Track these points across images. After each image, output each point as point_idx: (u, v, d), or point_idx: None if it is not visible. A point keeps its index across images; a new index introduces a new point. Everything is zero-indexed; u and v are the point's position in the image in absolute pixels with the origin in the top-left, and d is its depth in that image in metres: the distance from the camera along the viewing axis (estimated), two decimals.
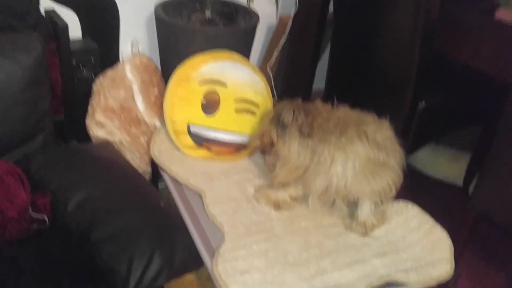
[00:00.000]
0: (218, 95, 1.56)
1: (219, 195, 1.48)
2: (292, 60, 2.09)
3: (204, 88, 1.55)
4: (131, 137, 1.66)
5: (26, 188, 1.33)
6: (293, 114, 1.35)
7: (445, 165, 1.96)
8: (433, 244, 1.37)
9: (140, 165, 1.69)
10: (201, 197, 1.48)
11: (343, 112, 1.38)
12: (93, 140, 1.68)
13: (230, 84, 1.57)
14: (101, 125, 1.64)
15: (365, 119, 1.38)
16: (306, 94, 2.16)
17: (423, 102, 1.53)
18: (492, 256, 1.57)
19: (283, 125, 1.37)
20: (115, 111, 1.62)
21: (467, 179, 1.91)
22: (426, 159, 1.93)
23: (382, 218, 1.44)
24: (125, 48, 1.95)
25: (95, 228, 1.27)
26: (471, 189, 1.90)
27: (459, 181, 1.94)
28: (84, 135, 1.75)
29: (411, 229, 1.42)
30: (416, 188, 1.35)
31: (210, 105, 1.56)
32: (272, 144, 1.39)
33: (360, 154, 1.31)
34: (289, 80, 2.15)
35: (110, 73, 1.62)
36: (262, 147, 1.45)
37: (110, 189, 1.38)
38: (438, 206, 1.64)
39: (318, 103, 1.40)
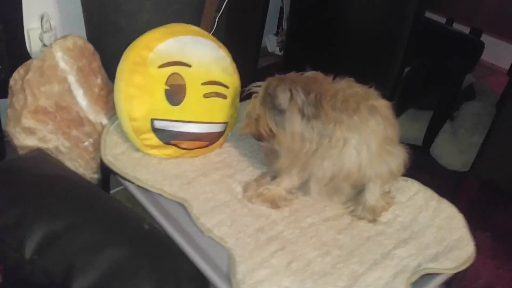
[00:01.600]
0: (183, 78, 1.27)
1: (206, 202, 1.23)
2: (235, 20, 1.81)
3: (166, 72, 1.25)
4: (72, 141, 1.30)
5: None
6: (291, 94, 1.14)
7: (405, 126, 1.90)
8: (447, 222, 1.29)
9: (85, 173, 1.35)
10: (183, 206, 1.22)
11: (347, 84, 1.19)
12: (19, 150, 1.30)
13: (194, 64, 1.29)
14: (30, 132, 1.25)
15: (369, 91, 1.21)
16: (254, 58, 1.91)
17: (409, 66, 1.40)
18: (478, 218, 1.55)
19: (281, 110, 1.14)
20: (49, 112, 1.24)
21: (428, 138, 1.87)
22: None
23: (390, 199, 1.32)
24: (31, 27, 1.53)
25: (76, 276, 0.95)
26: (433, 148, 1.87)
27: (419, 141, 1.90)
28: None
29: (419, 208, 1.32)
30: None
31: (175, 92, 1.26)
32: (271, 133, 1.17)
33: (375, 134, 1.15)
34: (233, 45, 1.89)
35: (35, 63, 1.22)
36: (257, 136, 1.21)
37: (75, 218, 1.05)
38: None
39: (318, 75, 1.19)
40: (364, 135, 1.15)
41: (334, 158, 1.15)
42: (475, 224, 1.36)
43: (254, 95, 1.22)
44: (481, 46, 1.80)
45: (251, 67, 2.03)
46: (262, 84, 1.20)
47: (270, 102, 1.15)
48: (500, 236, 1.57)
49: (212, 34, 1.79)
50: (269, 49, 2.56)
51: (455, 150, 1.87)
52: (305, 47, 1.60)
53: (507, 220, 1.64)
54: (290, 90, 1.14)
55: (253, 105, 1.20)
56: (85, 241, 1.01)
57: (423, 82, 1.57)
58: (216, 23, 1.75)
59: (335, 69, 1.22)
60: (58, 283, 0.95)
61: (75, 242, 1.00)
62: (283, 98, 1.14)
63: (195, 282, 1.08)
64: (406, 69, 1.42)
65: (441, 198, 1.35)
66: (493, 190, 1.40)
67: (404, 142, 1.90)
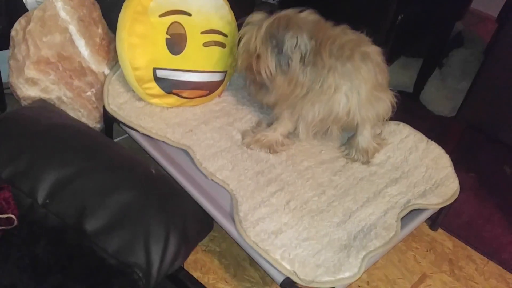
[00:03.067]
0: (183, 27, 1.30)
1: (208, 148, 1.29)
2: None
3: (167, 21, 1.27)
4: (74, 91, 1.33)
5: None
6: (296, 41, 1.17)
7: (396, 73, 1.94)
8: (434, 161, 1.37)
9: (88, 123, 1.38)
10: (186, 152, 1.27)
11: (343, 31, 1.23)
12: (22, 101, 1.33)
13: (194, 12, 1.31)
14: (33, 82, 1.28)
15: (362, 38, 1.25)
16: (250, 8, 1.91)
17: (402, 13, 1.44)
18: (463, 159, 1.63)
19: (284, 55, 1.18)
20: (51, 62, 1.27)
21: (418, 84, 1.92)
22: None
23: (381, 141, 1.39)
24: None
25: (88, 218, 1.02)
26: (423, 94, 1.93)
27: (410, 88, 1.95)
28: None
29: (409, 150, 1.39)
30: None
31: (175, 42, 1.29)
32: (270, 75, 1.20)
33: (366, 81, 1.21)
34: None
35: (36, 13, 1.23)
36: (255, 75, 1.24)
37: (84, 164, 1.10)
38: (393, 114, 1.64)
39: (319, 19, 1.22)
40: (355, 82, 1.20)
41: (324, 103, 1.21)
42: (461, 164, 1.45)
43: (248, 27, 1.24)
44: None
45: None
46: (262, 21, 1.21)
47: (276, 45, 1.18)
48: (483, 176, 1.65)
49: None
50: None
51: (443, 97, 1.93)
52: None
53: (491, 161, 1.73)
54: (297, 38, 1.17)
55: (253, 40, 1.20)
56: (95, 185, 1.06)
57: (415, 30, 1.61)
58: None
59: (331, 17, 1.26)
60: (70, 225, 1.02)
61: (85, 187, 1.06)
62: (290, 45, 1.17)
63: (200, 221, 1.15)
64: (400, 17, 1.46)
65: (429, 140, 1.42)
66: (478, 132, 1.46)
67: (395, 89, 1.97)
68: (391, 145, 1.40)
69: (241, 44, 1.25)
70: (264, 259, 1.04)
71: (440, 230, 1.47)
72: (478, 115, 1.50)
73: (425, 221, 1.49)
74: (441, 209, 1.43)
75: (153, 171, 1.16)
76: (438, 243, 1.44)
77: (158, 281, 1.04)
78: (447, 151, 1.40)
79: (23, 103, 1.33)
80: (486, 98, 1.47)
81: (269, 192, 1.19)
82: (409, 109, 1.90)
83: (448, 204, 1.34)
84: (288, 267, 1.03)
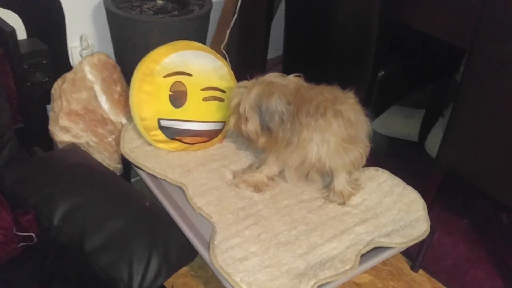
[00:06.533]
0: (185, 85, 1.56)
1: (201, 186, 1.50)
2: (245, 36, 2.09)
3: (170, 80, 1.54)
4: (98, 137, 1.62)
5: (6, 208, 1.29)
6: (277, 108, 1.38)
7: (401, 123, 2.07)
8: (408, 205, 1.48)
9: (110, 163, 1.67)
10: (182, 190, 1.50)
11: (320, 91, 1.42)
12: (59, 144, 1.64)
13: (195, 73, 1.57)
14: (66, 130, 1.59)
15: (339, 96, 1.43)
16: (261, 68, 2.17)
17: (382, 71, 1.60)
18: (460, 205, 1.71)
19: (266, 120, 1.39)
20: (79, 114, 1.57)
21: (422, 134, 2.03)
22: (383, 120, 2.03)
23: (357, 186, 1.53)
24: (73, 45, 1.87)
25: (88, 239, 1.26)
26: (426, 143, 2.03)
27: (414, 137, 2.07)
28: (45, 140, 1.69)
29: (385, 194, 1.52)
30: (377, 149, 1.45)
31: (177, 97, 1.55)
32: (256, 135, 1.42)
33: (335, 134, 1.38)
34: (243, 56, 2.16)
35: (69, 75, 1.56)
36: (240, 132, 1.46)
37: (92, 196, 1.35)
38: (398, 162, 1.76)
39: (300, 83, 1.43)
40: (326, 135, 1.37)
41: (300, 152, 1.39)
42: (457, 210, 1.53)
43: (240, 91, 1.45)
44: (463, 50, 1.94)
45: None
46: (252, 86, 1.43)
47: (260, 112, 1.40)
48: (477, 222, 1.71)
49: (225, 46, 2.09)
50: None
51: None
52: (298, 60, 1.86)
53: (488, 208, 1.78)
54: (277, 105, 1.38)
55: (242, 103, 1.43)
56: (97, 213, 1.30)
57: (404, 83, 1.75)
58: (227, 37, 2.02)
59: (324, 77, 1.45)
60: (75, 243, 1.26)
61: (89, 213, 1.30)
62: (271, 112, 1.38)
63: (182, 247, 1.35)
64: (380, 74, 1.62)
65: (406, 185, 1.54)
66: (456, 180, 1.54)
67: (401, 138, 2.11)
68: (368, 189, 1.53)
69: (232, 106, 1.48)
70: (227, 281, 1.22)
71: (421, 271, 1.56)
72: (455, 163, 1.58)
73: (406, 261, 1.59)
74: (420, 250, 1.53)
75: (147, 203, 1.39)
76: (416, 284, 1.52)
77: None
78: (446, 197, 1.49)
79: (59, 146, 1.64)
80: (460, 145, 1.55)
81: (245, 225, 1.37)
82: (413, 157, 2.02)
83: (426, 246, 1.43)
84: None
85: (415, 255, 1.53)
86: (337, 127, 1.37)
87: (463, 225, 1.71)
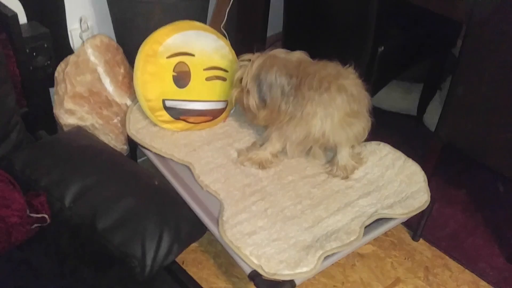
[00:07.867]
0: (188, 66, 1.57)
1: (207, 164, 1.54)
2: (244, 14, 2.09)
3: (173, 61, 1.55)
4: (104, 119, 1.64)
5: (18, 191, 1.31)
6: (276, 80, 1.40)
7: (400, 98, 2.10)
8: (409, 177, 1.52)
9: (116, 145, 1.69)
10: (189, 168, 1.53)
11: (323, 66, 1.44)
12: (64, 127, 1.66)
13: (197, 53, 1.58)
14: (71, 113, 1.61)
15: (341, 72, 1.45)
16: (261, 45, 2.18)
17: (382, 46, 1.63)
18: (453, 177, 1.75)
19: (264, 92, 1.41)
20: (84, 97, 1.59)
21: (420, 108, 2.07)
22: (382, 96, 2.06)
23: (359, 160, 1.57)
24: (73, 28, 1.87)
25: (100, 218, 1.29)
26: (425, 117, 2.07)
27: (413, 111, 2.10)
28: (50, 123, 1.72)
29: (386, 167, 1.56)
30: (377, 124, 1.48)
31: (181, 77, 1.57)
32: (257, 107, 1.45)
33: (339, 109, 1.41)
34: (243, 35, 2.17)
35: (72, 58, 1.57)
36: (245, 107, 1.49)
37: (102, 176, 1.38)
38: (398, 137, 1.80)
39: (303, 58, 1.45)
40: (330, 110, 1.40)
41: (304, 126, 1.42)
42: (455, 181, 1.57)
43: (243, 65, 1.48)
44: (460, 23, 1.96)
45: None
46: (255, 59, 1.44)
47: (259, 84, 1.42)
48: (475, 192, 1.75)
49: (224, 25, 2.10)
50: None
51: None
52: (298, 36, 1.87)
53: (486, 177, 1.82)
54: (276, 77, 1.40)
55: (245, 77, 1.45)
56: (107, 193, 1.34)
57: (403, 59, 1.78)
58: (226, 16, 2.03)
59: (324, 54, 1.48)
60: (87, 224, 1.30)
61: (100, 194, 1.33)
62: (268, 84, 1.40)
63: (193, 225, 1.39)
64: (380, 49, 1.64)
65: (407, 158, 1.58)
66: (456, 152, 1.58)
67: (400, 112, 2.14)
68: (370, 163, 1.57)
69: (234, 80, 1.50)
70: (237, 254, 1.26)
71: (421, 241, 1.61)
72: (454, 135, 1.62)
73: (407, 232, 1.64)
74: (420, 220, 1.58)
75: (156, 182, 1.42)
76: (417, 252, 1.58)
77: (153, 271, 1.28)
78: (445, 168, 1.53)
79: (64, 129, 1.66)
80: (459, 117, 1.58)
81: (252, 201, 1.41)
82: (412, 131, 2.06)
83: (426, 216, 1.48)
84: (255, 261, 1.24)
85: (416, 225, 1.57)
86: (341, 102, 1.40)
87: (460, 195, 1.76)
